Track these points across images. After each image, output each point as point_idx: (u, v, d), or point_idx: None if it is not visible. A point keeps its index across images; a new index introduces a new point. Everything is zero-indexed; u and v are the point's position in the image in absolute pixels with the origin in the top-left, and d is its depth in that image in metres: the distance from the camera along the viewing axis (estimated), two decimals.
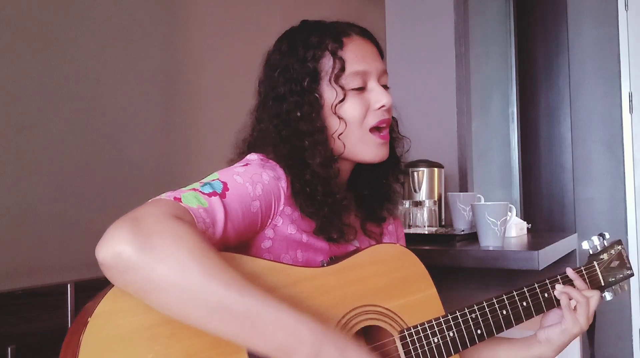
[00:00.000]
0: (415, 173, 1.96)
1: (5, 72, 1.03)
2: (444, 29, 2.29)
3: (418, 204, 1.82)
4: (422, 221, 1.81)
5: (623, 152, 2.87)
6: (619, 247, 1.08)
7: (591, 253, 1.08)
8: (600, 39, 2.93)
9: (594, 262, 1.06)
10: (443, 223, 2.02)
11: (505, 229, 1.49)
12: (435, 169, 1.98)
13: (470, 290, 1.67)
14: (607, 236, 1.10)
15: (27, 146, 1.06)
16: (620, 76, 2.89)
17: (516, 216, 1.90)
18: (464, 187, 2.24)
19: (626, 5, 2.88)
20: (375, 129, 0.90)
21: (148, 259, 0.62)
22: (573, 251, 1.82)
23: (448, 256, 1.45)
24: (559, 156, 3.00)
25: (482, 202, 1.63)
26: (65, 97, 1.13)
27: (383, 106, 0.89)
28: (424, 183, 1.96)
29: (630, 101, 2.87)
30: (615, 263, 1.06)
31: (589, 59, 2.96)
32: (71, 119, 1.14)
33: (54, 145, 1.10)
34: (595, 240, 1.08)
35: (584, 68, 2.97)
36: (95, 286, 0.71)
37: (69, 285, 1.01)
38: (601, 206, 2.92)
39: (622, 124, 2.88)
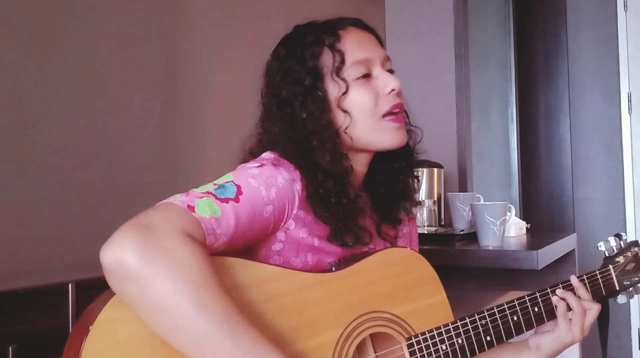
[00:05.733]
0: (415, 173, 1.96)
1: (5, 72, 1.03)
2: (444, 30, 2.29)
3: (417, 204, 1.83)
4: (422, 221, 1.81)
5: (622, 152, 2.88)
6: (636, 249, 1.04)
7: (607, 255, 1.04)
8: (599, 40, 2.94)
9: (610, 265, 1.01)
10: (442, 223, 2.02)
11: (505, 229, 1.50)
12: (435, 169, 1.98)
13: (469, 289, 1.67)
14: (624, 236, 1.06)
15: (27, 146, 1.06)
16: (619, 77, 2.89)
17: (515, 216, 1.91)
18: (463, 187, 2.24)
19: (625, 5, 2.88)
20: (389, 114, 0.88)
21: (148, 274, 0.62)
22: (572, 251, 1.83)
23: (447, 256, 1.45)
24: (558, 156, 3.01)
25: (482, 202, 1.64)
26: (66, 97, 1.13)
27: (393, 90, 0.87)
28: (424, 183, 1.97)
29: (629, 101, 2.88)
30: (631, 266, 1.02)
31: (588, 59, 2.96)
32: (72, 119, 1.14)
33: (54, 145, 1.11)
34: (612, 240, 1.04)
35: (583, 69, 2.97)
36: (96, 286, 0.71)
37: (70, 285, 1.01)
38: (600, 206, 2.92)
39: (621, 125, 2.89)
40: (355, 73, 0.86)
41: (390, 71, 0.91)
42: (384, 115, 0.88)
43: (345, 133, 0.87)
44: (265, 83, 0.92)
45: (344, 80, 0.86)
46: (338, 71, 0.86)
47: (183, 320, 0.63)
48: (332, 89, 0.86)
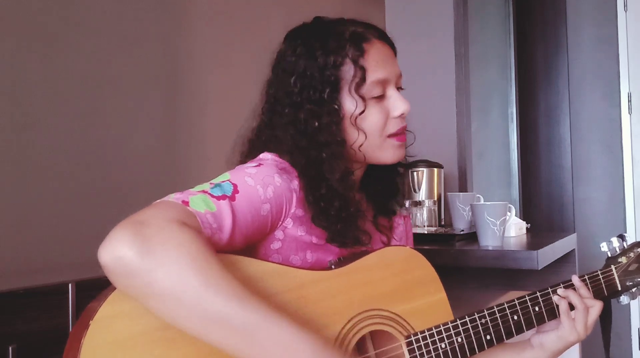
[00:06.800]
0: (415, 173, 1.97)
1: (6, 72, 1.03)
2: (444, 30, 2.29)
3: (418, 204, 1.83)
4: (422, 221, 1.81)
5: (622, 152, 2.88)
6: (639, 249, 1.03)
7: (609, 255, 1.04)
8: (599, 40, 2.94)
9: (612, 266, 1.01)
10: (443, 223, 2.02)
11: (505, 229, 1.50)
12: (435, 169, 1.99)
13: (469, 289, 1.67)
14: (627, 237, 1.05)
15: (27, 146, 1.06)
16: (619, 77, 2.89)
17: (515, 216, 1.91)
18: (463, 187, 2.25)
19: (625, 5, 2.88)
20: (394, 135, 0.88)
21: (148, 265, 0.62)
22: (572, 251, 1.83)
23: (448, 256, 1.45)
24: (558, 156, 3.01)
25: (482, 202, 1.64)
26: (66, 98, 1.14)
27: (402, 114, 0.88)
28: (424, 183, 1.97)
29: (629, 101, 2.87)
30: (634, 266, 1.01)
31: (588, 59, 2.96)
32: (72, 119, 1.14)
33: (54, 145, 1.11)
34: (615, 241, 1.04)
35: (583, 69, 2.97)
36: (96, 286, 0.71)
37: (70, 285, 1.01)
38: (600, 206, 2.92)
39: (621, 125, 2.89)
40: (372, 92, 0.85)
41: (400, 88, 0.91)
42: (390, 135, 0.88)
43: (359, 150, 0.87)
44: (276, 76, 0.89)
45: (362, 97, 0.84)
46: (358, 87, 0.84)
47: (192, 303, 0.63)
48: (349, 104, 0.85)
